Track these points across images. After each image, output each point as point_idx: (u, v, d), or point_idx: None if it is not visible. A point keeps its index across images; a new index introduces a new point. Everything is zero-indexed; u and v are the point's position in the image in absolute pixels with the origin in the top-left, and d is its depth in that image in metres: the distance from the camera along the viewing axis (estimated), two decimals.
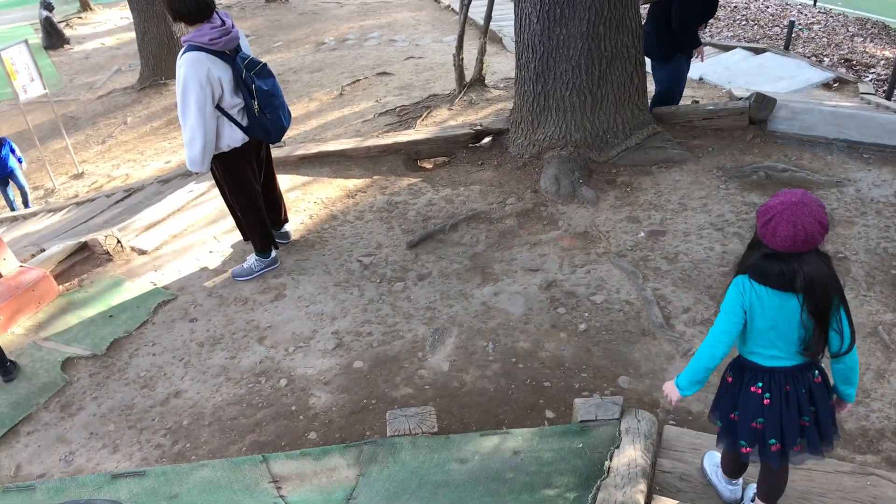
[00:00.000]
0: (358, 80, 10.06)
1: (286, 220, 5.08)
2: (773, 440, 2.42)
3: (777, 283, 2.27)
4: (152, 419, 3.83)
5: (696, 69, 9.08)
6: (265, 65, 4.36)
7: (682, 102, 6.06)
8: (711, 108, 5.70)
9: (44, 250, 5.20)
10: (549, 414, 3.59)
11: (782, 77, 8.80)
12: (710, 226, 4.76)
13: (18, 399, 4.07)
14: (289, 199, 5.47)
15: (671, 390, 2.58)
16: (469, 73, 7.82)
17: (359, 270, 4.76)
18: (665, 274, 4.41)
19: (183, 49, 4.10)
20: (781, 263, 2.24)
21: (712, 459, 2.94)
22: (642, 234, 4.78)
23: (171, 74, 11.90)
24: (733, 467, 2.77)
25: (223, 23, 4.13)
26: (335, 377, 3.94)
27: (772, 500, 2.66)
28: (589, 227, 4.91)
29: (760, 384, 2.41)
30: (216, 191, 5.68)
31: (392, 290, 4.55)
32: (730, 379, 2.53)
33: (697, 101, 6.55)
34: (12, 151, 9.07)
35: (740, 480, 2.83)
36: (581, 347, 3.95)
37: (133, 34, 13.14)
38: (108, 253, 5.09)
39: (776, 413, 2.40)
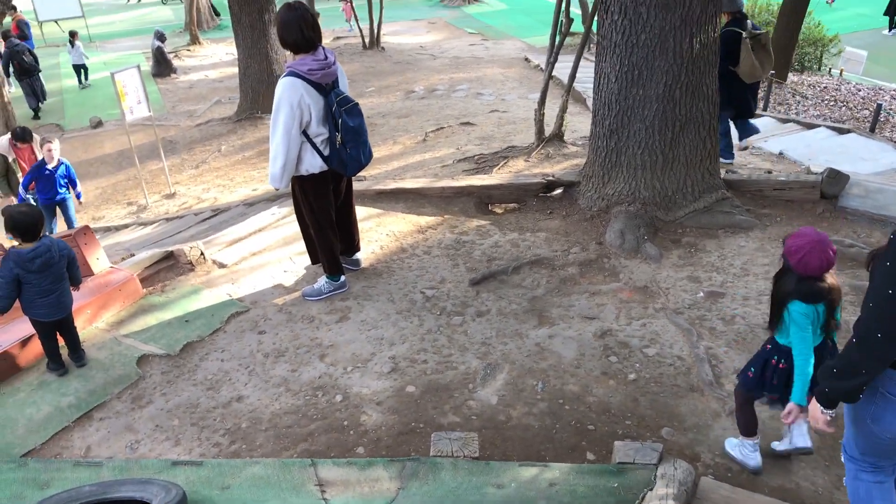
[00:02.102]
0: (442, 128, 10.42)
1: (358, 249, 5.34)
2: None
3: (818, 299, 3.05)
4: (214, 419, 4.07)
5: (777, 144, 9.11)
6: (356, 104, 4.67)
7: (754, 173, 6.13)
8: (783, 178, 5.75)
9: (133, 255, 5.59)
10: (590, 456, 3.66)
11: (865, 159, 8.72)
12: (770, 292, 4.78)
13: (95, 387, 4.38)
14: (363, 228, 5.74)
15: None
16: (549, 129, 8.05)
17: (421, 301, 4.96)
18: (720, 334, 4.45)
19: (284, 73, 4.46)
20: (816, 284, 3.03)
21: (731, 443, 3.59)
22: (701, 293, 4.85)
23: (267, 109, 12.58)
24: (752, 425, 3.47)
25: (326, 58, 4.47)
26: (387, 398, 4.11)
27: None
28: (649, 283, 5.00)
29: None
30: (294, 214, 6.01)
31: (450, 322, 4.73)
32: (782, 366, 3.24)
33: (770, 172, 6.58)
34: (70, 179, 8.26)
35: (759, 441, 3.51)
36: (628, 396, 4.02)
37: (235, 69, 13.91)
38: (191, 263, 5.44)
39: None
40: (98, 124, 14.56)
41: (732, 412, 3.84)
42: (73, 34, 17.80)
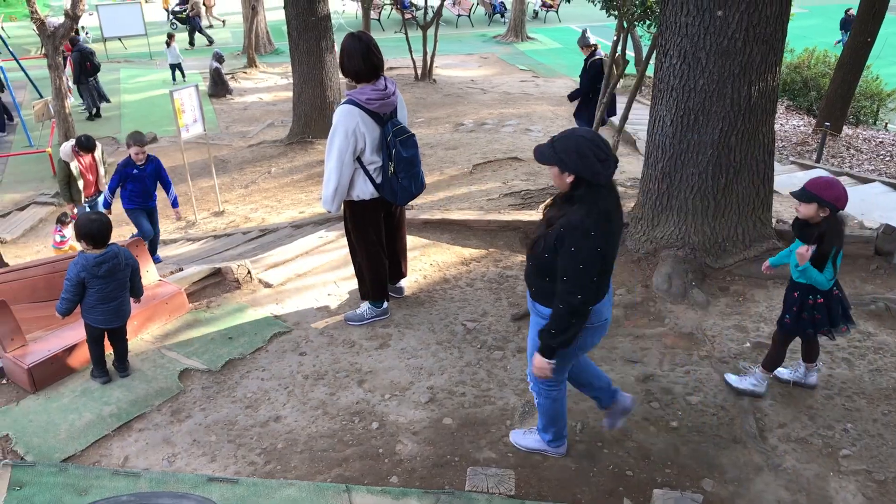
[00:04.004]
0: (489, 162, 10.46)
1: (404, 276, 5.36)
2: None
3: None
4: (251, 437, 4.08)
5: None
6: (412, 135, 4.72)
7: None
8: None
9: (182, 270, 5.68)
10: (627, 502, 3.59)
11: None
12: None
13: (136, 398, 4.43)
14: (407, 257, 5.76)
15: (806, 253, 3.78)
16: None
17: (461, 333, 4.95)
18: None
19: (343, 100, 4.54)
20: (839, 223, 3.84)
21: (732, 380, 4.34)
22: (748, 344, 4.76)
23: (318, 134, 12.79)
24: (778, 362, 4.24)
25: (386, 88, 4.54)
26: (424, 429, 4.09)
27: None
28: (695, 329, 4.93)
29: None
30: (343, 240, 6.05)
31: (490, 357, 4.70)
32: (821, 300, 3.91)
33: None
34: (162, 180, 7.93)
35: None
36: (669, 443, 3.95)
37: (289, 94, 14.16)
38: (237, 281, 5.51)
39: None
40: (153, 140, 14.90)
41: (777, 467, 3.75)
42: (170, 36, 19.20)
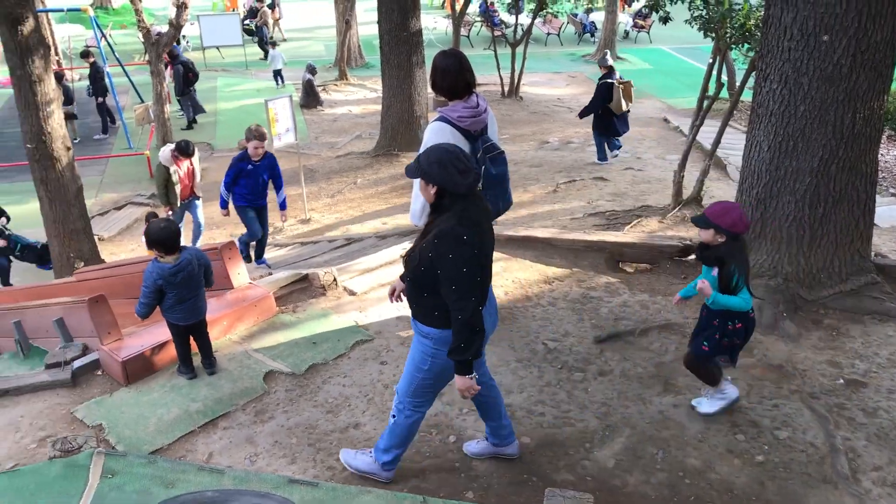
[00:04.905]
0: (573, 181, 10.39)
1: None
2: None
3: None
4: (330, 442, 4.15)
5: None
6: (502, 153, 4.73)
7: None
8: None
9: (271, 274, 5.83)
10: None
11: None
12: None
13: (221, 396, 4.57)
14: None
15: (706, 287, 3.85)
16: (687, 193, 7.88)
17: (542, 353, 4.91)
18: (860, 426, 4.17)
19: (435, 117, 4.59)
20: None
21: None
22: (842, 380, 4.57)
23: (405, 147, 12.95)
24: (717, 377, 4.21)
25: (478, 105, 4.56)
26: None
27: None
28: (785, 362, 4.76)
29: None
30: None
31: (571, 378, 4.65)
32: (739, 325, 3.96)
33: None
34: (275, 177, 7.82)
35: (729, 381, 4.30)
36: (754, 478, 3.82)
37: (377, 106, 14.42)
38: (323, 287, 5.63)
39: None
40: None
41: None
42: (273, 44, 20.61)
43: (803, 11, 4.84)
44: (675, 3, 7.29)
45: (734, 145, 12.09)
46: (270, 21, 27.42)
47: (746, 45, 7.02)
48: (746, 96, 6.91)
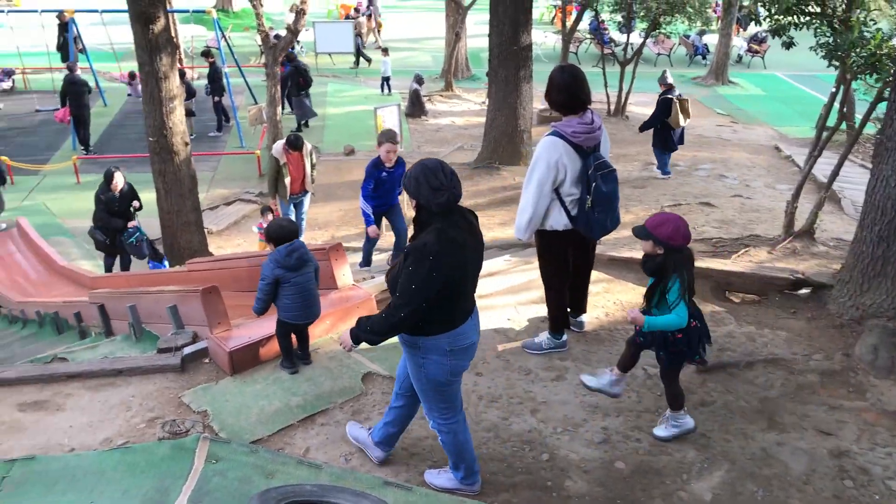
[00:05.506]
0: (679, 205, 10.16)
1: (584, 311, 5.31)
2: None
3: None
4: (423, 448, 4.18)
5: None
6: (613, 170, 4.68)
7: None
8: None
9: (374, 277, 5.93)
10: None
11: None
12: None
13: (321, 392, 4.67)
14: (590, 292, 5.69)
15: (637, 316, 3.91)
16: (799, 224, 7.57)
17: (642, 378, 4.81)
18: None
19: (549, 132, 4.58)
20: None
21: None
22: None
23: (506, 160, 12.97)
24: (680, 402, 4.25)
25: (592, 122, 4.53)
26: (595, 469, 4.01)
27: None
28: None
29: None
30: (526, 265, 6.11)
31: None
32: (679, 335, 3.97)
33: None
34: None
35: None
36: None
37: (481, 119, 14.48)
38: None
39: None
40: (351, 152, 15.74)
41: None
42: (385, 51, 21.32)
43: None
44: (801, 28, 7.00)
45: (850, 178, 11.57)
46: (364, 30, 27.96)
47: (875, 76, 6.68)
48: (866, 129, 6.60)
